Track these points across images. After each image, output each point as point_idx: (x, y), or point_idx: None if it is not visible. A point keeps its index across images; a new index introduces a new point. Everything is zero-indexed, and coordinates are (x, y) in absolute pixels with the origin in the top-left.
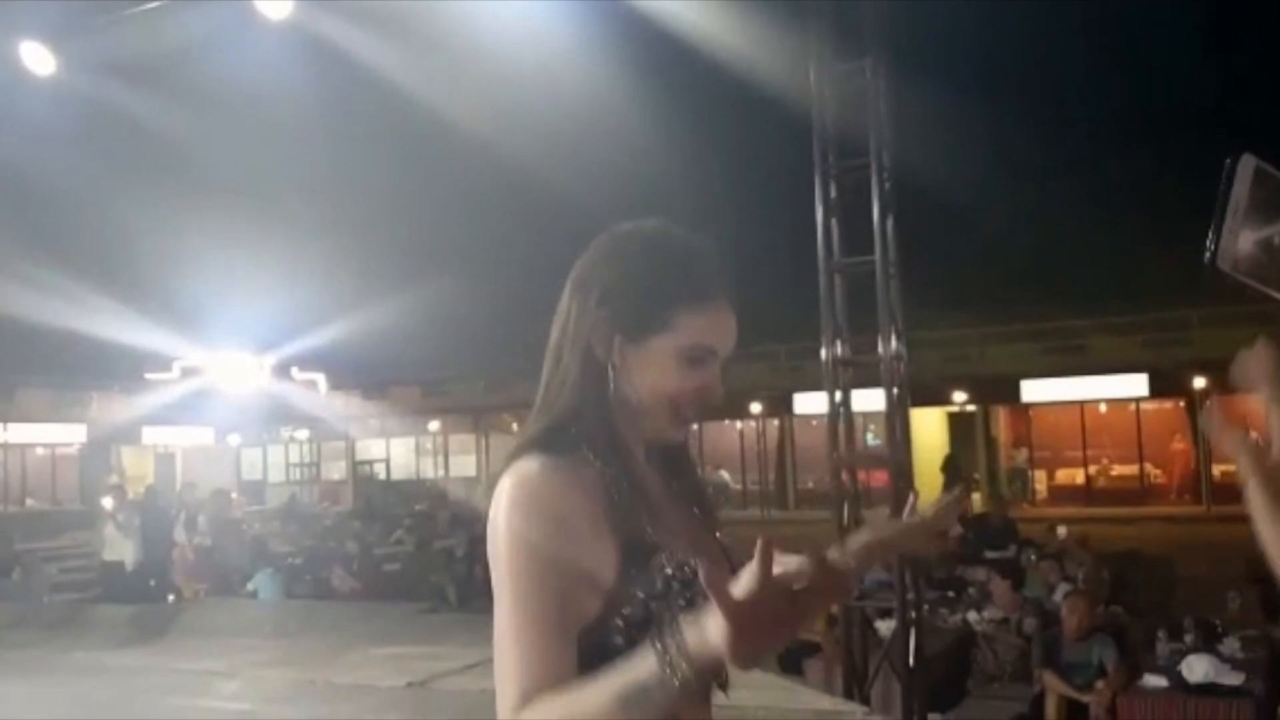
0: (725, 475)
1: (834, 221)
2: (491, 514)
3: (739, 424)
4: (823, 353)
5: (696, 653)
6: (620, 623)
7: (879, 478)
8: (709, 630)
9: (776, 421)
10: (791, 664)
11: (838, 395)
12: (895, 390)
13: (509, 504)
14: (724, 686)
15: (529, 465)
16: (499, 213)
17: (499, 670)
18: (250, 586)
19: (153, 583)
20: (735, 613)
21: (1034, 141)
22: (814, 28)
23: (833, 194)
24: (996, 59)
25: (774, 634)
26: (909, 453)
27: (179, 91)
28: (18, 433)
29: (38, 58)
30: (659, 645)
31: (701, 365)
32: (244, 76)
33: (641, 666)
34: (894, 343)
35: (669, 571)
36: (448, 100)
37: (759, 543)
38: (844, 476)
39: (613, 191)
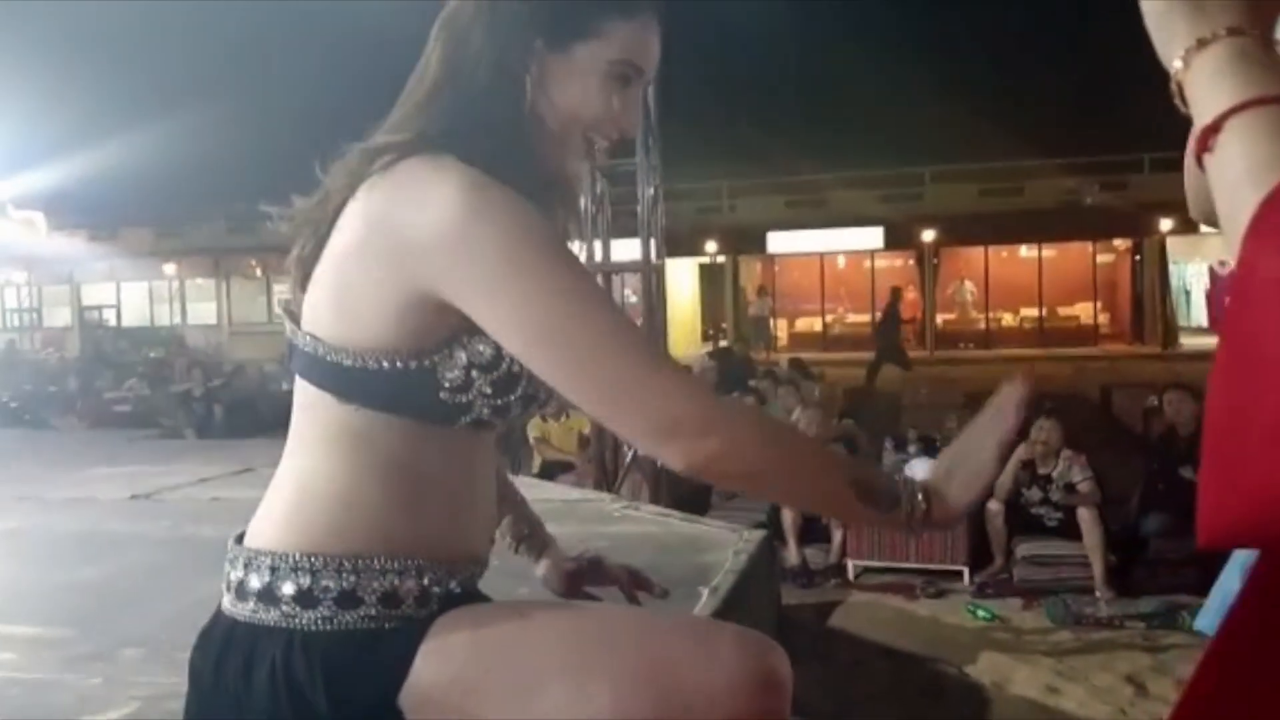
0: None
1: None
2: (419, 215)
3: None
4: (581, 201)
5: (935, 493)
6: (482, 350)
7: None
8: (949, 476)
9: None
10: (545, 478)
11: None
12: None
13: (475, 197)
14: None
15: (459, 165)
16: (246, 39)
17: (612, 374)
18: None
19: None
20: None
21: None
22: None
23: None
24: None
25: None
26: (664, 306)
27: None
28: None
29: None
30: (904, 479)
31: (625, 86)
32: None
33: (879, 472)
34: (650, 195)
35: None
36: None
37: (1019, 380)
38: None
39: (376, 12)
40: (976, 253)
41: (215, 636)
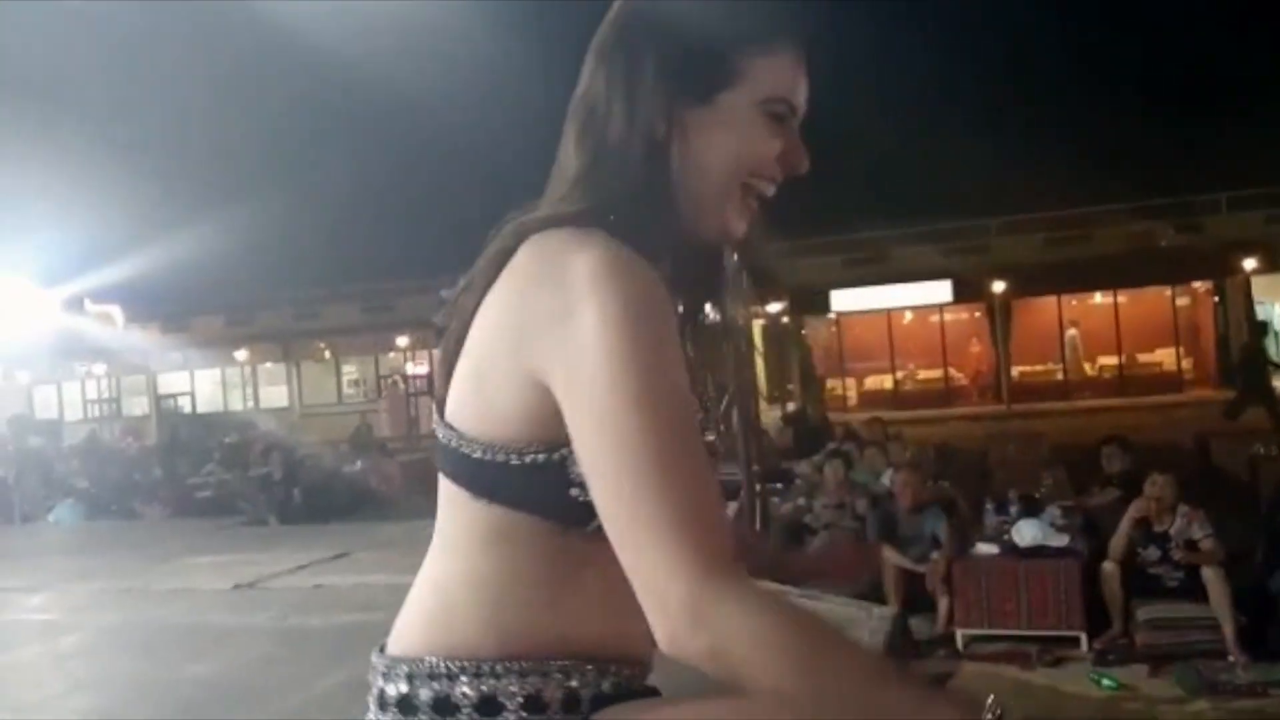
0: None
1: None
2: (540, 293)
3: None
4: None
5: None
6: None
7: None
8: None
9: None
10: None
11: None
12: (736, 309)
13: (601, 276)
14: None
15: (600, 240)
16: (306, 129)
17: (630, 505)
18: (51, 518)
19: None
20: None
21: (839, 46)
22: None
23: None
24: None
25: None
26: (752, 367)
27: None
28: None
29: None
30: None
31: (783, 124)
32: None
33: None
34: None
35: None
36: (259, 14)
37: None
38: None
39: (431, 98)
40: (1048, 302)
41: None
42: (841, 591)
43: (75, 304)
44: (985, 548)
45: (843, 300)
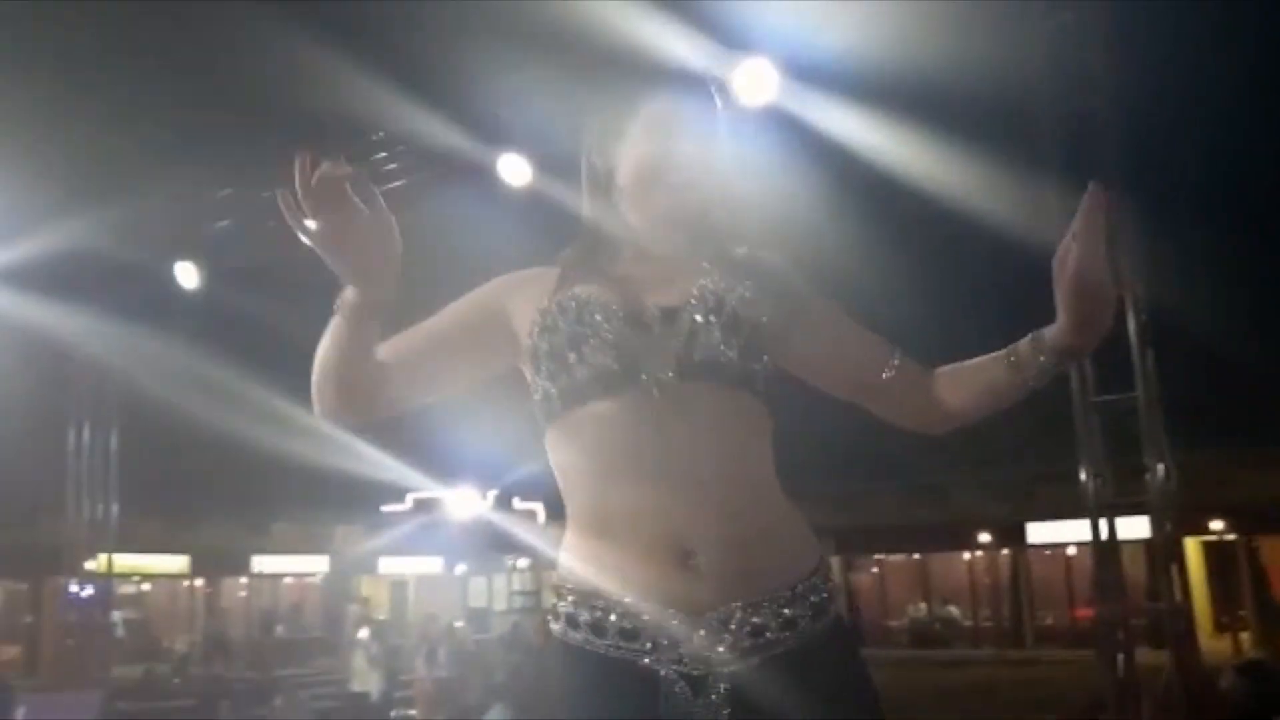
0: (954, 610)
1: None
2: None
3: (967, 555)
4: (1082, 475)
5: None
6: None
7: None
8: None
9: (1008, 552)
10: None
11: (1103, 530)
12: (1166, 526)
13: None
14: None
15: None
16: None
17: None
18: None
19: (394, 714)
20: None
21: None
22: (1053, 160)
23: None
24: (1251, 187)
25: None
26: (1187, 593)
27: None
28: (270, 564)
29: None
30: None
31: (665, 140)
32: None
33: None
34: (1160, 471)
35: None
36: None
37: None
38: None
39: None
40: None
41: None
42: None
43: (504, 502)
44: None
45: None
